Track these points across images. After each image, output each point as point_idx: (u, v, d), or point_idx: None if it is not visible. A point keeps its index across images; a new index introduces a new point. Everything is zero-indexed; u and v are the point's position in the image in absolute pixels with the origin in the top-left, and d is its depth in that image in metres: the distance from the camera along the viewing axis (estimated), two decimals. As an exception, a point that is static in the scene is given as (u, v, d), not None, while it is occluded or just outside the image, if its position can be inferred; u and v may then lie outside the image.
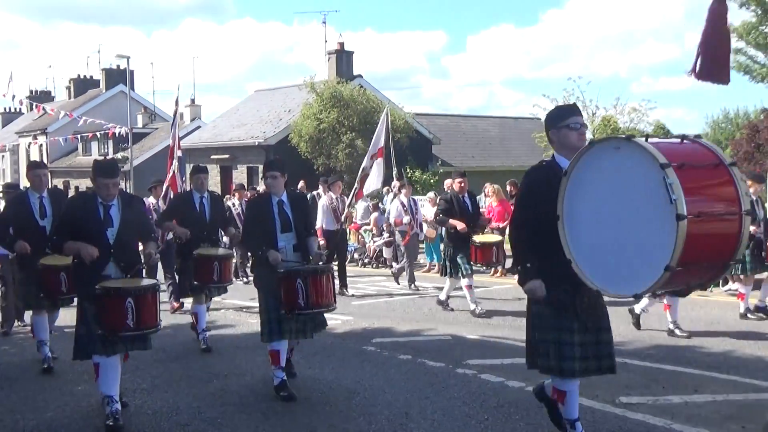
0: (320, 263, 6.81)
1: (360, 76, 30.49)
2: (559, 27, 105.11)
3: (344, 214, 13.46)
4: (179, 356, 8.00)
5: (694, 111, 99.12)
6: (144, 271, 6.34)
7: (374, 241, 17.20)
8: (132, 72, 35.51)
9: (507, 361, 7.31)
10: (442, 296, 10.80)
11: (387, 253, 16.74)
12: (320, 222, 12.70)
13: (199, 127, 37.40)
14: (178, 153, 11.67)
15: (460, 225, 9.92)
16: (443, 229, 10.81)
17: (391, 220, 14.75)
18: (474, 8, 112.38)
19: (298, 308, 6.21)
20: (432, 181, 26.92)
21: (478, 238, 10.28)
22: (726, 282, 11.96)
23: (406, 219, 14.05)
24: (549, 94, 28.96)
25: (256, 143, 28.79)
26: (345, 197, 13.68)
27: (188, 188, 10.07)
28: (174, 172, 11.36)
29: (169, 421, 5.76)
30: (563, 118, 4.60)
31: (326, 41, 33.19)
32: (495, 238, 11.45)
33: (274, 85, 36.04)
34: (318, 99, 27.02)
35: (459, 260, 10.09)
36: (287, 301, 6.21)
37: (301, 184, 20.48)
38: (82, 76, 48.43)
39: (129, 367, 7.41)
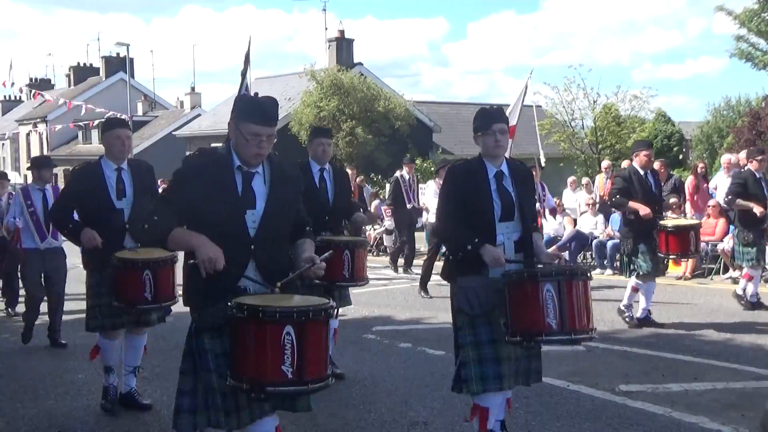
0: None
1: (360, 63, 30.40)
2: (560, 14, 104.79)
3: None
4: (180, 345, 7.93)
5: (695, 99, 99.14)
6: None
7: (374, 229, 17.20)
8: (132, 60, 35.53)
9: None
10: (624, 302, 8.58)
11: (387, 240, 16.75)
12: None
13: (199, 115, 37.34)
14: None
15: (643, 209, 7.83)
16: (619, 214, 9.07)
17: (429, 204, 12.86)
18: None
19: (546, 331, 4.09)
20: (432, 169, 26.88)
21: (669, 222, 8.22)
22: (726, 270, 11.96)
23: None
24: (550, 82, 28.82)
25: (257, 131, 28.67)
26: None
27: None
28: None
29: (169, 410, 5.71)
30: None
31: (326, 29, 33.07)
32: (691, 221, 9.52)
33: (274, 72, 36.00)
34: (318, 87, 26.95)
35: (640, 254, 8.02)
36: (529, 323, 4.11)
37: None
38: (81, 64, 48.32)
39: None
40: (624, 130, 27.21)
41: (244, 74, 9.18)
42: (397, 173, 14.41)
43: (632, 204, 7.89)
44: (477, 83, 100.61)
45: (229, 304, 3.28)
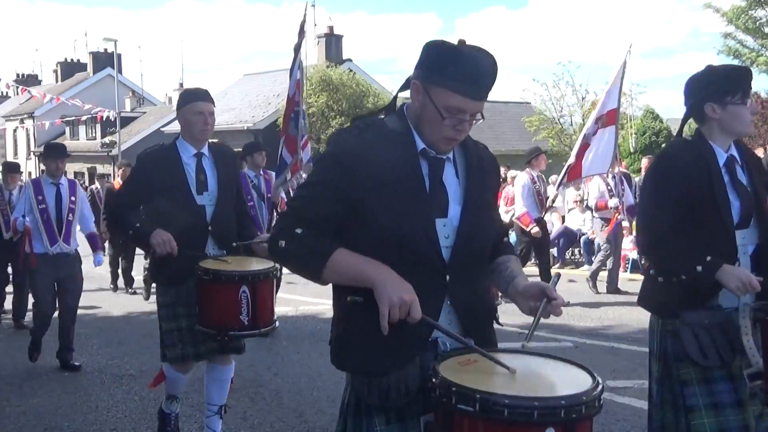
0: None
1: (349, 60, 30.40)
2: (548, 10, 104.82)
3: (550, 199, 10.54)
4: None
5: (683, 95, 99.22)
6: None
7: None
8: (119, 56, 35.36)
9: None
10: None
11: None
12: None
13: (187, 111, 37.16)
14: (298, 107, 8.09)
15: None
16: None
17: (591, 203, 11.49)
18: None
19: None
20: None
21: None
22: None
23: (612, 202, 10.59)
24: (539, 78, 28.90)
25: (245, 128, 28.67)
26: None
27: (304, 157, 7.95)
28: (291, 134, 8.07)
29: (155, 407, 5.74)
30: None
31: (315, 24, 32.98)
32: None
33: (262, 68, 35.91)
34: (307, 83, 26.88)
35: None
36: None
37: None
38: (69, 60, 48.11)
39: (117, 353, 7.45)
40: (613, 127, 27.24)
41: (298, 48, 8.19)
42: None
43: None
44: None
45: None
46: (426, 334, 2.24)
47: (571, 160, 9.78)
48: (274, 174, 8.42)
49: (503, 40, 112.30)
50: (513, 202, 11.29)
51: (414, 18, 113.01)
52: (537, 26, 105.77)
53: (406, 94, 2.41)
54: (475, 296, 2.35)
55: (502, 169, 16.11)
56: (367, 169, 2.20)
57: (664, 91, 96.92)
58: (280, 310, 9.77)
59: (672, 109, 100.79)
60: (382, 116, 2.43)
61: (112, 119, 32.55)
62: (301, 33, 8.18)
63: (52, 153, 7.06)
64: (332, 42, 30.35)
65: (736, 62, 22.67)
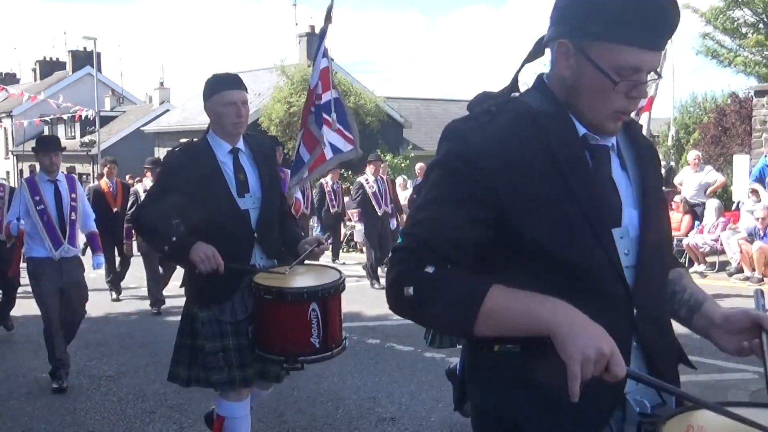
0: None
1: (331, 59, 30.28)
2: (530, 8, 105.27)
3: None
4: (146, 342, 7.93)
5: (663, 95, 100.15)
6: None
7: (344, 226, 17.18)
8: (99, 54, 35.07)
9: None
10: None
11: (358, 236, 16.71)
12: None
13: (168, 110, 36.99)
14: (322, 100, 7.35)
15: None
16: None
17: None
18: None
19: None
20: (402, 165, 26.92)
21: None
22: (692, 264, 12.12)
23: None
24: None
25: (226, 127, 28.55)
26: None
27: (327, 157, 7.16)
28: (311, 129, 7.27)
29: (134, 408, 5.71)
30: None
31: (296, 24, 32.99)
32: None
33: (243, 68, 35.76)
34: (288, 82, 26.85)
35: None
36: None
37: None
38: (48, 58, 47.63)
39: (95, 354, 7.38)
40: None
41: (323, 34, 7.70)
42: (360, 178, 12.34)
43: None
44: (447, 78, 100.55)
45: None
46: (619, 393, 1.65)
47: None
48: (289, 172, 7.60)
49: (486, 38, 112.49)
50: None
51: (397, 16, 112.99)
52: (518, 24, 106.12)
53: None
54: (662, 332, 1.79)
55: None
56: (513, 169, 1.62)
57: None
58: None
59: (652, 108, 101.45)
60: (516, 94, 1.81)
61: (92, 118, 32.26)
62: (328, 17, 7.63)
63: (46, 147, 6.30)
64: (313, 41, 30.18)
65: (714, 62, 22.92)
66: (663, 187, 1.98)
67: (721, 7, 22.00)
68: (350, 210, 12.06)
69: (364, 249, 12.19)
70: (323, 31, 7.78)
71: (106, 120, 37.43)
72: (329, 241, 12.17)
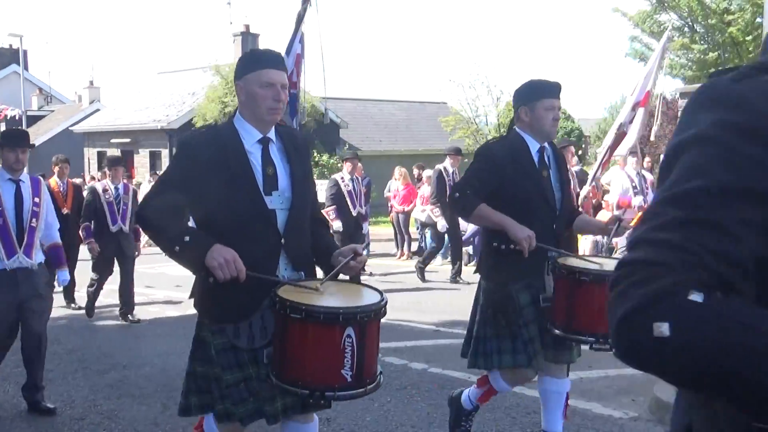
0: None
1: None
2: (463, 10, 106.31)
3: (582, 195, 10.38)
4: (75, 348, 7.74)
5: (595, 96, 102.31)
6: None
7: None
8: (25, 52, 33.99)
9: (410, 344, 7.39)
10: None
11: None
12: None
13: (98, 110, 36.11)
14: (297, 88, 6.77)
15: None
16: None
17: (612, 200, 10.37)
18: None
19: None
20: (339, 165, 26.90)
21: None
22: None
23: (636, 200, 9.79)
24: (454, 79, 29.30)
25: (159, 127, 28.04)
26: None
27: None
28: (285, 121, 6.42)
29: (63, 416, 5.57)
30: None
31: (231, 23, 32.62)
32: None
33: (176, 67, 35.20)
34: (223, 82, 26.50)
35: None
36: None
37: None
38: (-30, 56, 45.94)
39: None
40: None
41: (301, 17, 7.21)
42: (336, 175, 11.79)
43: None
44: (384, 78, 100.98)
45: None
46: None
47: (605, 154, 9.15)
48: None
49: (421, 40, 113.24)
50: (428, 201, 11.66)
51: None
52: (455, 27, 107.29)
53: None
54: None
55: (416, 169, 16.28)
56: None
57: (575, 92, 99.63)
58: (189, 310, 9.60)
59: (585, 109, 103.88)
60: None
61: (18, 118, 31.27)
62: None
63: (12, 142, 5.58)
64: (249, 41, 29.95)
65: (642, 65, 23.52)
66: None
67: (649, 11, 22.62)
68: (623, 199, 10.19)
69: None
70: (301, 14, 7.20)
71: (33, 120, 36.28)
72: (366, 251, 11.10)
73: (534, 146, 4.01)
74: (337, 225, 10.68)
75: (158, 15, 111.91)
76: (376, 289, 3.12)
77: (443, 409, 5.37)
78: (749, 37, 19.60)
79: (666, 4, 22.13)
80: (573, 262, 3.79)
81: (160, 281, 12.13)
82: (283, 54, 3.62)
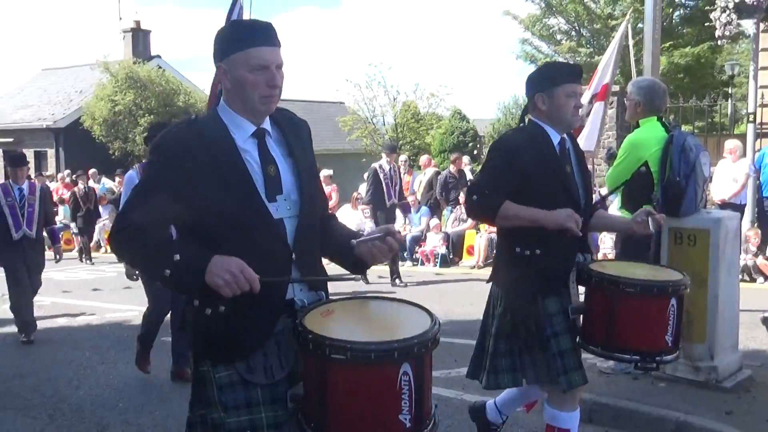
0: None
1: (158, 56, 29.30)
2: (360, 11, 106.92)
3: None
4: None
5: (488, 97, 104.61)
6: None
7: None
8: None
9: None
10: None
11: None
12: None
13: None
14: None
15: None
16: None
17: None
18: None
19: None
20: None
21: None
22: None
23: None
24: (352, 79, 29.36)
25: (44, 126, 26.86)
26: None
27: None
28: None
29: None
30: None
31: (121, 18, 31.51)
32: None
33: (63, 63, 33.80)
34: (112, 80, 25.66)
35: None
36: None
37: (92, 170, 19.49)
38: None
39: None
40: (422, 126, 28.43)
41: None
42: (375, 164, 11.43)
43: None
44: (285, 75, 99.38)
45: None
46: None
47: None
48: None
49: (317, 40, 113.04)
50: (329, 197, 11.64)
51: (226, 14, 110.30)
52: (350, 27, 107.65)
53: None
54: None
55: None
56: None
57: (470, 92, 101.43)
58: (84, 319, 9.28)
59: (477, 109, 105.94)
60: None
61: None
62: None
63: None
64: (139, 37, 29.11)
65: (533, 66, 24.25)
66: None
67: (538, 15, 23.36)
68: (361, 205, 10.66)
69: None
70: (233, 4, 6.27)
71: None
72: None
73: (555, 138, 3.52)
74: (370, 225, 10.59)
75: (41, 8, 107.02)
76: (420, 307, 2.47)
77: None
78: (633, 41, 20.49)
79: (554, 9, 22.89)
80: (611, 269, 3.32)
81: (47, 287, 11.60)
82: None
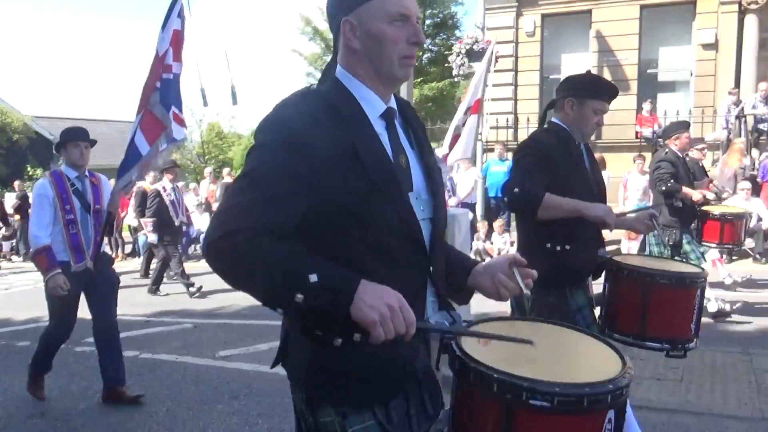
0: None
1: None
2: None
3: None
4: None
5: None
6: None
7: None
8: None
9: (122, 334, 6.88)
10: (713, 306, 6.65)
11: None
12: None
13: None
14: (172, 72, 4.73)
15: (696, 195, 5.85)
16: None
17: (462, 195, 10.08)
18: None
19: None
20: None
21: (716, 209, 5.86)
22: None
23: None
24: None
25: None
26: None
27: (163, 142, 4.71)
28: (155, 112, 4.72)
29: None
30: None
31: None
32: (740, 208, 6.55)
33: None
34: None
35: (688, 245, 5.93)
36: None
37: None
38: None
39: None
40: (225, 143, 27.80)
41: None
42: (157, 185, 9.52)
43: (686, 190, 5.87)
44: (95, 98, 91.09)
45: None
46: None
47: (445, 151, 8.54)
48: (103, 177, 4.97)
49: (120, 58, 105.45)
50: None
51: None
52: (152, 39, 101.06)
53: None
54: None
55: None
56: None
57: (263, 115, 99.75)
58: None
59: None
60: None
61: None
62: None
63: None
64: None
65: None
66: None
67: (319, 53, 23.67)
68: (144, 219, 9.22)
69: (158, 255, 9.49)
70: None
71: None
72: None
73: (577, 141, 3.15)
74: (152, 238, 9.16)
75: None
76: (598, 338, 1.68)
77: (153, 388, 5.08)
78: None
79: (332, 49, 23.34)
80: (637, 262, 2.97)
81: None
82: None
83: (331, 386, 1.57)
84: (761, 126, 12.29)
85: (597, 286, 3.14)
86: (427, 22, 22.72)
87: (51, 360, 4.83)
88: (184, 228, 10.01)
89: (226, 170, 16.04)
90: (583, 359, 1.60)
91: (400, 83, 1.69)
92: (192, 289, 9.10)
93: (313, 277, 1.38)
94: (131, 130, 4.76)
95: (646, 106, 13.52)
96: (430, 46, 23.33)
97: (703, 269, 2.90)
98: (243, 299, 8.57)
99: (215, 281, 9.40)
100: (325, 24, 23.30)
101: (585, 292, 3.10)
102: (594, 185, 3.13)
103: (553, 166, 2.97)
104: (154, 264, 9.78)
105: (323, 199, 1.51)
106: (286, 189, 1.48)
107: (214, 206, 13.62)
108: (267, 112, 1.59)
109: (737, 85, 13.41)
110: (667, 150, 6.02)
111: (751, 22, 13.71)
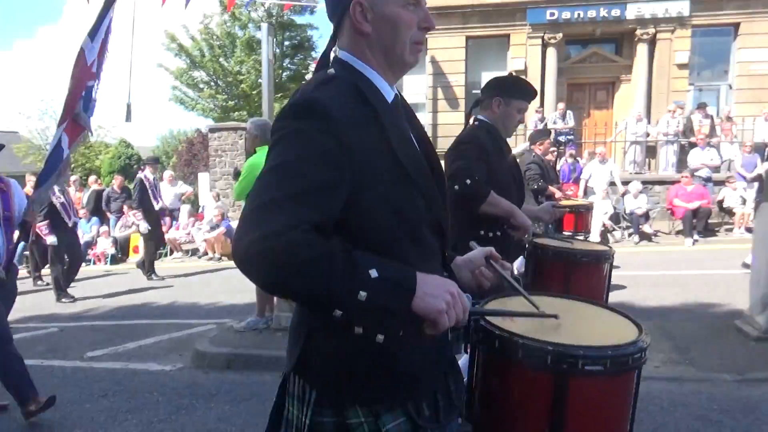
0: None
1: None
2: (31, 55, 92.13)
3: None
4: None
5: (149, 129, 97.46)
6: None
7: None
8: None
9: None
10: None
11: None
12: None
13: None
14: (97, 80, 4.44)
15: (558, 193, 6.26)
16: None
17: None
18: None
19: None
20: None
21: (567, 203, 6.02)
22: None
23: None
24: (23, 112, 25.43)
25: None
26: None
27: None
28: (78, 119, 4.37)
29: None
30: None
31: None
32: (585, 200, 6.79)
33: None
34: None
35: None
36: None
37: None
38: None
39: None
40: (92, 152, 25.89)
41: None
42: (140, 174, 9.54)
43: (551, 189, 6.31)
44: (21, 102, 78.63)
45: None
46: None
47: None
48: (13, 182, 4.30)
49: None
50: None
51: None
52: (21, 68, 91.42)
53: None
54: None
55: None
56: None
57: (133, 125, 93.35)
58: None
59: (140, 138, 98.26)
60: None
61: None
62: None
63: None
64: None
65: (182, 107, 23.43)
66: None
67: (185, 68, 22.70)
68: (38, 224, 8.00)
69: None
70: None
71: None
72: None
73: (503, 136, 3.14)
74: (51, 240, 8.27)
75: None
76: (602, 305, 1.67)
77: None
78: (255, 91, 21.06)
79: (197, 64, 22.47)
80: (554, 243, 2.95)
81: None
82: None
83: (368, 386, 1.37)
84: (560, 138, 13.52)
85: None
86: (286, 43, 22.56)
87: None
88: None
89: (92, 178, 14.91)
90: (601, 326, 1.53)
91: (408, 69, 1.49)
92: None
93: (374, 273, 1.19)
94: (53, 141, 4.45)
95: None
96: (288, 65, 23.21)
97: (610, 247, 2.95)
98: (111, 301, 8.02)
99: (90, 286, 8.69)
100: (189, 41, 22.38)
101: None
102: (521, 183, 3.22)
103: (489, 158, 2.95)
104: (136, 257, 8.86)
105: (361, 188, 1.30)
106: (327, 179, 1.24)
107: (81, 212, 12.53)
108: (292, 98, 1.37)
109: (542, 104, 14.67)
110: (534, 154, 6.53)
111: (552, 54, 15.08)
